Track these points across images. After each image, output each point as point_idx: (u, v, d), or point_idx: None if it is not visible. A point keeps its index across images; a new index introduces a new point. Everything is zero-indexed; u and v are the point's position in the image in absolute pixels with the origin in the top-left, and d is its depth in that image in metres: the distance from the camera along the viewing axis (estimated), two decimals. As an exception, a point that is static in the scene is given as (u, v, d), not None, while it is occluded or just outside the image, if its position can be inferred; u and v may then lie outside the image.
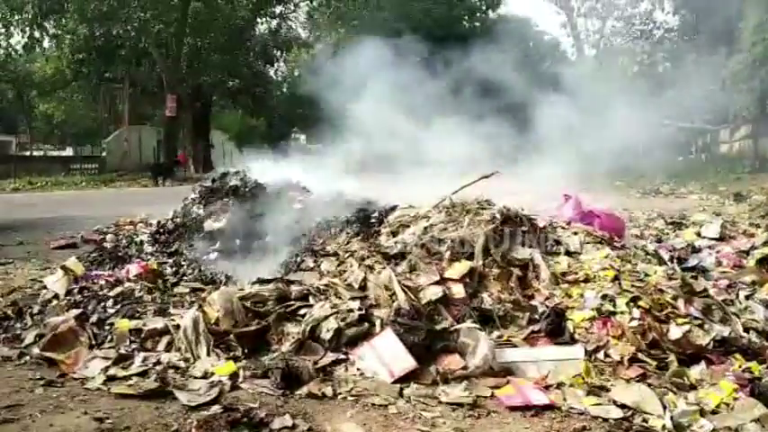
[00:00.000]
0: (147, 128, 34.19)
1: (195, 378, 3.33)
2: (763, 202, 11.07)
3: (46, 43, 28.37)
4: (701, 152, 32.11)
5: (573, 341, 3.64)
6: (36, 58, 32.93)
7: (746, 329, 3.89)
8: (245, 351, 3.58)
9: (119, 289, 4.41)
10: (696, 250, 6.46)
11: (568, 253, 4.51)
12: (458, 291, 3.96)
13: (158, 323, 3.86)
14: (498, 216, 4.54)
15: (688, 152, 33.54)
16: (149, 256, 5.49)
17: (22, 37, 26.14)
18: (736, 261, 5.88)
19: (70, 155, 40.16)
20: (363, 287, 4.00)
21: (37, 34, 26.00)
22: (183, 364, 3.49)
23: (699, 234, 7.19)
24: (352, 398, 3.16)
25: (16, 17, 25.42)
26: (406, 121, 8.92)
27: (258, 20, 31.27)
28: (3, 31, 26.05)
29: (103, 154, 34.11)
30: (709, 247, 6.56)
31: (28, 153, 37.09)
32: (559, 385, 3.26)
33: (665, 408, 3.00)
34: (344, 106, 9.07)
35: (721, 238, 6.97)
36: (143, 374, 3.38)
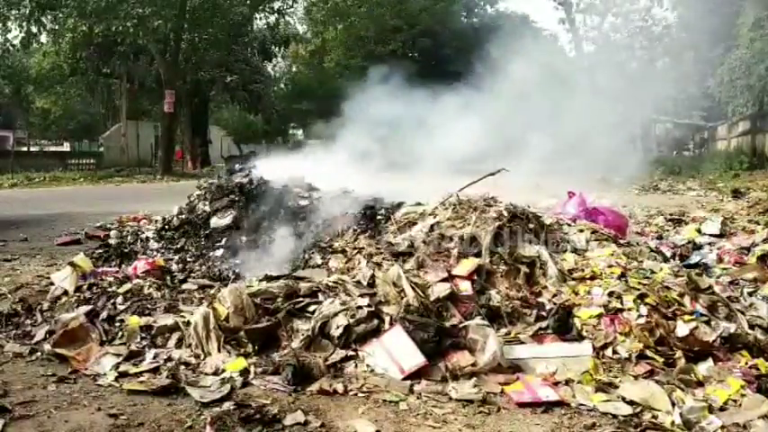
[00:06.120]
0: (145, 123, 34.12)
1: (206, 374, 3.35)
2: (761, 198, 11.07)
3: (43, 38, 28.23)
4: (699, 148, 32.19)
5: (580, 338, 3.66)
6: (33, 53, 32.79)
7: (751, 326, 3.92)
8: (256, 347, 3.60)
9: (127, 285, 4.43)
10: (697, 247, 6.50)
11: (575, 250, 4.54)
12: (465, 288, 3.98)
13: (168, 320, 3.88)
14: (505, 213, 4.56)
15: (685, 148, 33.67)
16: (155, 253, 5.51)
17: (20, 32, 25.99)
18: (737, 258, 5.90)
19: (68, 150, 39.95)
20: (372, 284, 4.01)
21: (34, 29, 25.84)
22: (193, 361, 3.52)
23: (699, 231, 7.22)
24: (362, 394, 3.18)
25: (13, 12, 25.25)
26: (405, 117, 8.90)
27: (256, 15, 31.17)
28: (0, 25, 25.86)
29: (101, 149, 34.09)
30: (710, 244, 6.59)
31: (25, 148, 36.84)
32: (568, 382, 3.29)
33: (673, 404, 3.02)
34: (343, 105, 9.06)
35: (722, 235, 6.99)
36: (154, 371, 3.40)
